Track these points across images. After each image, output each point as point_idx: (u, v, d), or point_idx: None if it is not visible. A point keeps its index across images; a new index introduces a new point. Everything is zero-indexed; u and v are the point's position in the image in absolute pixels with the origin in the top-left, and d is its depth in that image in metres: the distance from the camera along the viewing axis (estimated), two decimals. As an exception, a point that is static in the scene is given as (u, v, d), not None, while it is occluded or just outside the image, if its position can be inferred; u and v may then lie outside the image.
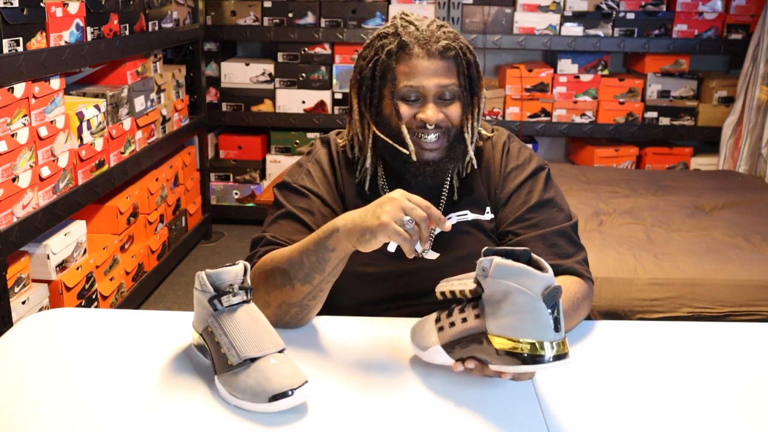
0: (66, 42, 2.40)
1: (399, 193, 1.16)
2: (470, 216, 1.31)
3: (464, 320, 1.09)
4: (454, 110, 1.35)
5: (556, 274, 1.26)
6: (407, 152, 1.34)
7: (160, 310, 1.49)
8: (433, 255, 1.24)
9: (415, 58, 1.33)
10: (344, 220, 1.20)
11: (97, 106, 2.64)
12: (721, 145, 3.85)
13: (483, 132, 1.48)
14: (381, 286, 1.40)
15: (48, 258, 2.38)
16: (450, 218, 1.20)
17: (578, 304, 1.32)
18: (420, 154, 1.35)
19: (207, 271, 1.15)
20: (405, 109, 1.35)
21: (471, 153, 1.39)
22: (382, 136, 1.37)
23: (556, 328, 1.01)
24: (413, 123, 1.35)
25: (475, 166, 1.43)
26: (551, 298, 1.00)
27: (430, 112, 1.33)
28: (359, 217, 1.17)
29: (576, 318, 1.33)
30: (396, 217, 1.12)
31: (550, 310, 1.00)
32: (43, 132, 2.28)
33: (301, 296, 1.26)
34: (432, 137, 1.35)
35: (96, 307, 2.64)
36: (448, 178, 1.43)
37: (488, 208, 1.42)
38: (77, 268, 2.52)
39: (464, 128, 1.37)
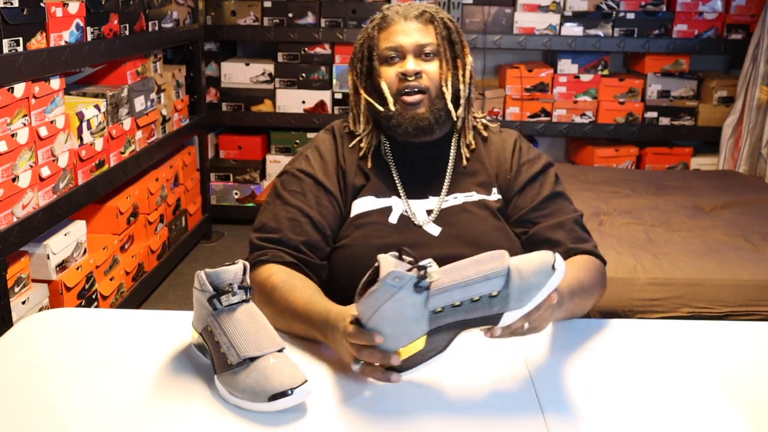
0: (66, 42, 2.40)
1: (343, 346, 1.15)
2: (476, 196, 1.45)
3: None
4: (433, 66, 1.44)
5: (578, 255, 1.41)
6: (385, 108, 1.43)
7: (160, 310, 1.49)
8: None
9: (394, 24, 1.46)
10: (325, 334, 1.21)
11: (97, 106, 2.64)
12: (721, 145, 3.85)
13: (489, 123, 1.58)
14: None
15: (48, 258, 2.38)
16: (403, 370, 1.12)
17: (601, 279, 1.42)
18: (404, 108, 1.44)
19: (206, 271, 1.15)
20: (388, 70, 1.45)
21: (453, 111, 1.46)
22: (366, 97, 1.47)
23: None
24: (396, 81, 1.44)
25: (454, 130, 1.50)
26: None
27: (408, 64, 1.43)
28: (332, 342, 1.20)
29: (598, 290, 1.41)
30: (349, 361, 1.14)
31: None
32: (43, 132, 2.28)
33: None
34: (413, 92, 1.43)
35: (96, 307, 2.64)
36: (452, 158, 1.50)
37: (495, 190, 1.49)
38: (77, 268, 2.52)
39: (443, 85, 1.45)
